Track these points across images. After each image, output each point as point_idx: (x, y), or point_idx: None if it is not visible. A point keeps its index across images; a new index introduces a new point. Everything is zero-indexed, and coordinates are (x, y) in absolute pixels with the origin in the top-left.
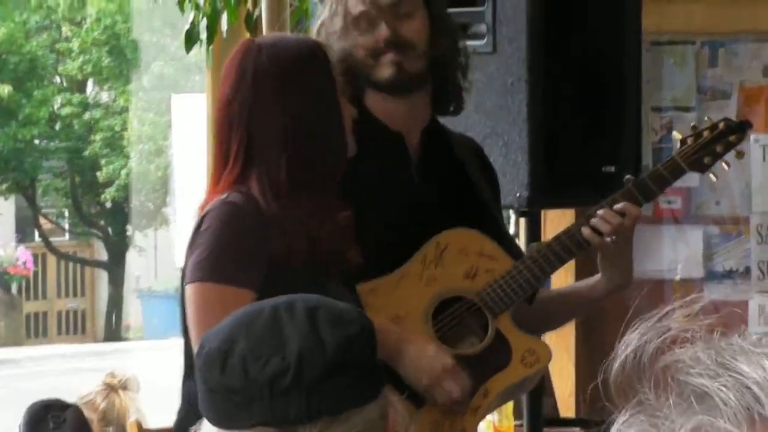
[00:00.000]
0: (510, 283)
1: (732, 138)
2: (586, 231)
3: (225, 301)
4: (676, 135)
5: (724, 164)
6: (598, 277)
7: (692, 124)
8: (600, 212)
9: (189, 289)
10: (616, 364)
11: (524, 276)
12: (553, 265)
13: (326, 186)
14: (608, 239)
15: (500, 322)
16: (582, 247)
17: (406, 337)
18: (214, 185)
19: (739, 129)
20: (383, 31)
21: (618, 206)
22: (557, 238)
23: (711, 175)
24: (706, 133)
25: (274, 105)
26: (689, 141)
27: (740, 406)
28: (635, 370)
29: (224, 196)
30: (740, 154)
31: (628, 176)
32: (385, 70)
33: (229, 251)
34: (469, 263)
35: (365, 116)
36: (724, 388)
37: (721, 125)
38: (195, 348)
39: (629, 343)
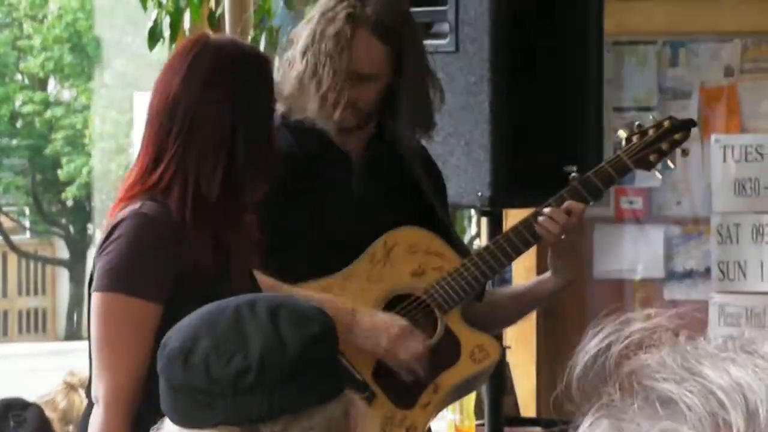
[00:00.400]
0: (458, 280)
1: (677, 136)
2: (536, 228)
3: (129, 312)
4: (621, 133)
5: (669, 162)
6: (548, 274)
7: (636, 123)
8: (547, 211)
9: (95, 297)
10: (580, 366)
11: (472, 273)
12: (501, 262)
13: (247, 200)
14: (556, 237)
15: (449, 318)
16: (529, 244)
17: (358, 308)
18: (138, 183)
19: (684, 127)
20: (333, 91)
21: (564, 204)
22: (505, 235)
23: (656, 173)
24: (651, 132)
25: (225, 110)
26: (635, 139)
27: (705, 412)
28: (600, 372)
29: (138, 205)
30: (685, 152)
31: (573, 174)
32: (327, 116)
33: (137, 263)
34: (416, 261)
35: (311, 124)
36: (689, 394)
37: (666, 123)
38: (93, 355)
39: (593, 345)
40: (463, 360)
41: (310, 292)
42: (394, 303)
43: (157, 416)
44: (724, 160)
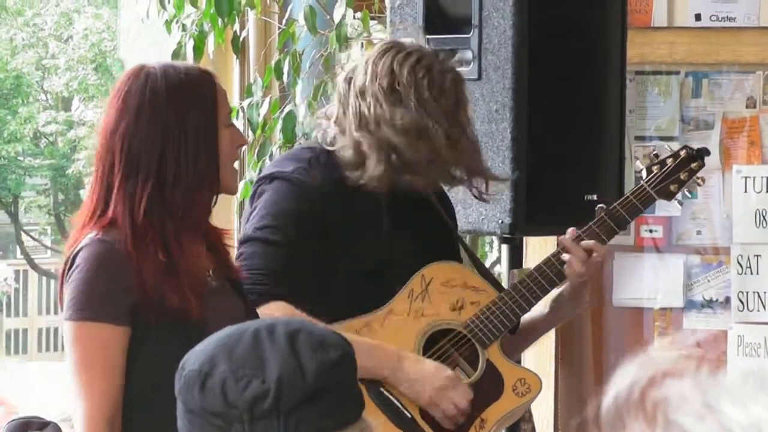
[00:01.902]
0: (497, 314)
1: (693, 165)
2: (561, 268)
3: (97, 338)
4: (639, 164)
5: (686, 192)
6: (544, 312)
7: (653, 152)
8: (573, 250)
9: (65, 325)
10: (609, 397)
11: (509, 306)
12: (537, 295)
13: (197, 217)
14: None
15: (490, 353)
16: (564, 277)
17: (405, 354)
18: (90, 225)
19: (699, 156)
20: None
21: (586, 244)
22: (539, 268)
23: (676, 203)
24: (669, 161)
25: (156, 132)
26: (654, 169)
27: None
28: (625, 403)
29: (95, 231)
30: (702, 181)
31: (600, 205)
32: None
33: (99, 289)
34: (455, 296)
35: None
36: (707, 431)
37: (683, 153)
38: (69, 383)
39: (623, 376)
40: (506, 394)
41: (356, 338)
42: (435, 338)
43: None
44: (745, 190)
